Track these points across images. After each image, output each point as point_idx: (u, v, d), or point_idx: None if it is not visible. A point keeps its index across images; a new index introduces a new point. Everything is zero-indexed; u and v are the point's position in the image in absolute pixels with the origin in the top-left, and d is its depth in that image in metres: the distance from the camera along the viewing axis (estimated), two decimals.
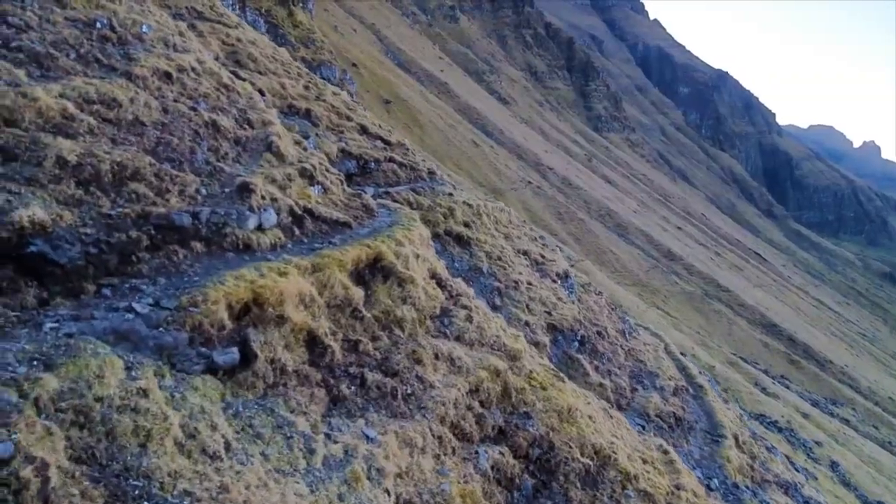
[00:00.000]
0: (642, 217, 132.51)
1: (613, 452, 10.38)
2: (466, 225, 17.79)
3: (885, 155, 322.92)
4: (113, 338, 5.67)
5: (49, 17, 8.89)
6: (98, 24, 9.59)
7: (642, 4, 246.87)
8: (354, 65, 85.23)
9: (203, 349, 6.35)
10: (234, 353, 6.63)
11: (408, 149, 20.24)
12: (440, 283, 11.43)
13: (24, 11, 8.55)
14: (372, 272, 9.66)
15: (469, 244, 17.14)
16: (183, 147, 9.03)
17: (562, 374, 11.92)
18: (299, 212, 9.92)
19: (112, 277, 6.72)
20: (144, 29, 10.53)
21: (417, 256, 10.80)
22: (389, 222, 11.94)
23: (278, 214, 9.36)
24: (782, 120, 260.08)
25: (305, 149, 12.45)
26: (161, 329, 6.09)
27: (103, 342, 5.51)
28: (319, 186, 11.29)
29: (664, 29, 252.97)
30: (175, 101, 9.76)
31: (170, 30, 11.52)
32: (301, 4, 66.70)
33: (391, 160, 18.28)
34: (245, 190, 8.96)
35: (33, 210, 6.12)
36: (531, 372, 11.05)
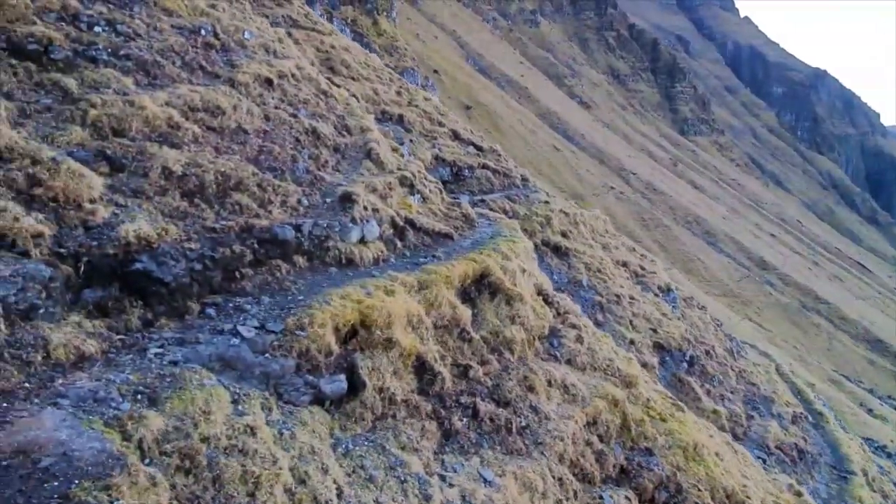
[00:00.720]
0: (732, 224, 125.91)
1: (747, 497, 9.15)
2: (564, 234, 16.81)
3: None
4: (219, 365, 5.18)
5: (156, 25, 8.71)
6: (202, 32, 9.38)
7: (732, 2, 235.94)
8: (436, 71, 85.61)
9: (310, 377, 5.78)
10: (341, 382, 6.03)
11: (500, 155, 19.47)
12: (547, 300, 10.55)
13: (132, 20, 8.39)
14: (478, 289, 8.91)
15: (567, 255, 16.14)
16: (284, 155, 8.62)
17: (680, 403, 10.74)
18: (401, 223, 9.32)
19: (216, 296, 6.29)
20: (247, 35, 10.28)
21: (524, 271, 9.98)
22: (491, 233, 11.19)
23: (380, 226, 8.78)
24: (888, 120, 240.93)
25: (402, 156, 11.90)
26: (267, 355, 5.56)
27: (209, 370, 5.02)
28: (419, 195, 10.69)
29: (756, 26, 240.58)
30: (276, 107, 9.41)
31: (270, 36, 11.27)
32: (385, 13, 67.56)
33: (484, 167, 17.56)
34: (347, 200, 8.43)
35: (139, 224, 5.75)
36: (648, 401, 9.97)
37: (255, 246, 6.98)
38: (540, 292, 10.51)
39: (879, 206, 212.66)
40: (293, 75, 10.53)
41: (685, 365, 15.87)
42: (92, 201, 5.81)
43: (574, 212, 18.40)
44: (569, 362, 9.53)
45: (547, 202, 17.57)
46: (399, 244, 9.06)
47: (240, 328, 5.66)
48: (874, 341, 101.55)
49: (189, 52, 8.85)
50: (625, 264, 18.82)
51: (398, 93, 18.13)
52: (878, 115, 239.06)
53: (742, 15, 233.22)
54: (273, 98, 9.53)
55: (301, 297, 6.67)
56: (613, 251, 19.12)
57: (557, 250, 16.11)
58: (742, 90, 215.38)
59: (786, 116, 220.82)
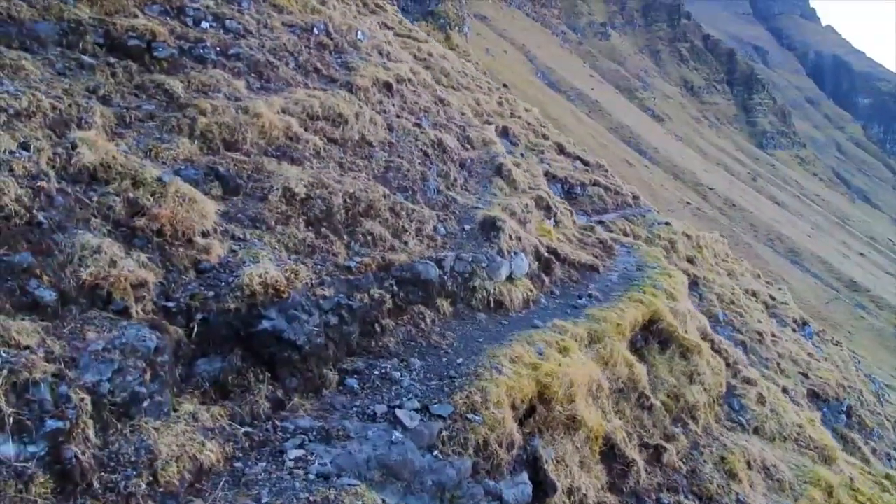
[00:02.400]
0: (818, 242, 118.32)
1: None
2: (690, 261, 14.74)
3: None
4: (379, 475, 3.61)
5: (266, 22, 7.43)
6: (315, 30, 8.05)
7: (814, 10, 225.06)
8: (505, 85, 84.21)
9: (490, 482, 4.15)
10: (525, 485, 4.39)
11: (607, 170, 17.59)
12: (714, 348, 8.61)
13: (241, 15, 7.12)
14: (646, 338, 7.12)
15: (697, 284, 14.06)
16: (414, 172, 7.12)
17: (885, 482, 8.53)
18: (545, 254, 7.65)
19: (355, 358, 4.78)
20: (360, 36, 8.91)
21: (689, 313, 8.11)
22: (636, 264, 9.36)
23: (526, 258, 7.14)
24: None
25: (527, 171, 10.27)
26: (437, 454, 3.97)
27: (368, 484, 3.46)
28: (553, 219, 9.00)
29: (839, 35, 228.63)
30: (398, 116, 7.95)
31: (381, 38, 9.91)
32: (458, 28, 66.81)
33: (595, 183, 15.72)
34: (491, 228, 6.83)
35: (265, 267, 4.30)
36: (852, 481, 7.85)
37: (395, 288, 5.46)
38: (705, 337, 8.59)
39: None
40: (409, 80, 9.09)
41: (844, 417, 13.44)
42: (205, 234, 4.43)
43: (696, 234, 16.29)
44: (756, 431, 7.59)
45: (668, 223, 15.56)
46: (546, 280, 7.38)
47: (398, 413, 4.10)
48: None
49: (303, 52, 7.53)
50: (754, 294, 16.53)
51: (499, 103, 16.58)
52: None
53: (824, 24, 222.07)
54: (394, 105, 8.09)
55: (460, 360, 5.07)
56: (740, 278, 16.86)
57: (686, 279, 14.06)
58: (825, 101, 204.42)
59: (873, 128, 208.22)
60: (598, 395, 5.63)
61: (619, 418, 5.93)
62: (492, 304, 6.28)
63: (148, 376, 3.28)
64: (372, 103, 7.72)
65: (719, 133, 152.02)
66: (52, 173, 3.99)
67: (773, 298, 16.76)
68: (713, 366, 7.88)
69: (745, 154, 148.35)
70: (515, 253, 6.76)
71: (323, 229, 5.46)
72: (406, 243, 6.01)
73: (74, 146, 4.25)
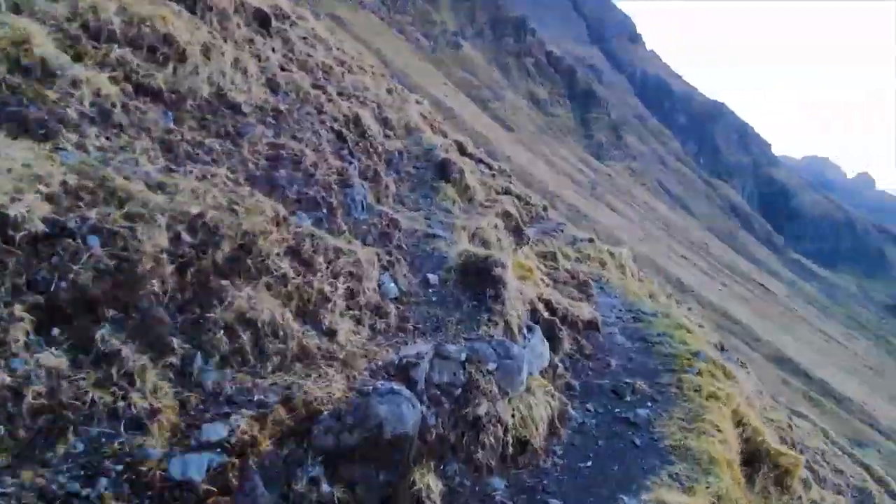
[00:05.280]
0: (649, 245, 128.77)
1: None
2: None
3: (879, 186, 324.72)
4: None
5: None
6: None
7: (640, 35, 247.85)
8: (382, 75, 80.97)
9: None
10: None
11: (510, 176, 14.91)
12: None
13: None
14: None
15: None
16: (324, 169, 3.64)
17: None
18: (545, 314, 4.52)
19: None
20: None
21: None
22: (624, 307, 6.55)
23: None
24: (777, 151, 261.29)
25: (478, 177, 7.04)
26: None
27: None
28: (526, 245, 5.89)
29: (660, 59, 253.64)
30: (284, 69, 4.38)
31: None
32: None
33: (507, 192, 12.94)
34: (483, 280, 3.61)
35: None
36: None
37: (324, 478, 1.92)
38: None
39: (773, 230, 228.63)
40: (293, 20, 5.47)
41: None
42: None
43: (617, 251, 14.11)
44: None
45: (592, 240, 13.18)
46: (557, 362, 4.23)
47: None
48: (785, 361, 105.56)
49: None
50: (667, 313, 14.68)
51: (389, 91, 13.21)
52: (769, 146, 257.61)
53: (648, 48, 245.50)
54: (275, 52, 4.48)
55: None
56: (658, 298, 14.96)
57: None
58: (650, 119, 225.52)
59: (689, 145, 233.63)
60: None
61: None
62: (510, 451, 3.00)
63: None
64: (236, 41, 4.11)
65: (563, 145, 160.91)
66: None
67: (689, 319, 15.04)
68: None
69: (586, 165, 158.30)
70: (530, 329, 3.56)
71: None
72: (333, 334, 2.54)
73: None
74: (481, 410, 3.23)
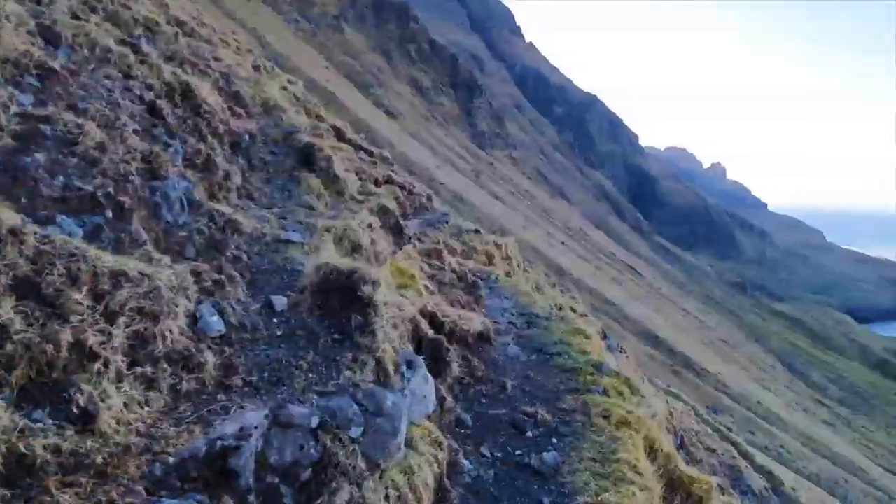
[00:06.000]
0: (530, 232, 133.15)
1: None
2: (508, 276, 11.98)
3: (730, 175, 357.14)
4: None
5: None
6: None
7: (519, 27, 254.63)
8: (250, 50, 76.23)
9: None
10: None
11: (392, 163, 14.05)
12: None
13: None
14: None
15: None
16: (114, 152, 2.53)
17: None
18: (429, 332, 3.68)
19: None
20: None
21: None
22: (515, 310, 5.91)
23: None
24: (644, 141, 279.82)
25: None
26: None
27: None
28: (408, 244, 5.03)
29: (538, 51, 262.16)
30: (71, 14, 3.16)
31: None
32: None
33: (389, 181, 12.04)
34: (347, 302, 2.65)
35: None
36: None
37: None
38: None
39: (641, 216, 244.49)
40: None
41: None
42: None
43: (503, 242, 13.66)
44: None
45: (478, 231, 12.59)
46: (447, 398, 3.41)
47: None
48: (652, 337, 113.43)
49: None
50: (560, 307, 14.51)
51: (255, 68, 11.81)
52: (637, 137, 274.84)
53: (527, 40, 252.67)
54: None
55: None
56: (545, 290, 14.76)
57: None
58: (529, 109, 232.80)
59: (566, 135, 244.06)
60: None
61: None
62: None
63: None
64: None
65: (446, 132, 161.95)
66: None
67: (574, 311, 14.98)
68: None
69: (469, 153, 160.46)
70: (410, 365, 2.70)
71: None
72: (88, 419, 1.53)
73: None
74: (340, 499, 2.34)
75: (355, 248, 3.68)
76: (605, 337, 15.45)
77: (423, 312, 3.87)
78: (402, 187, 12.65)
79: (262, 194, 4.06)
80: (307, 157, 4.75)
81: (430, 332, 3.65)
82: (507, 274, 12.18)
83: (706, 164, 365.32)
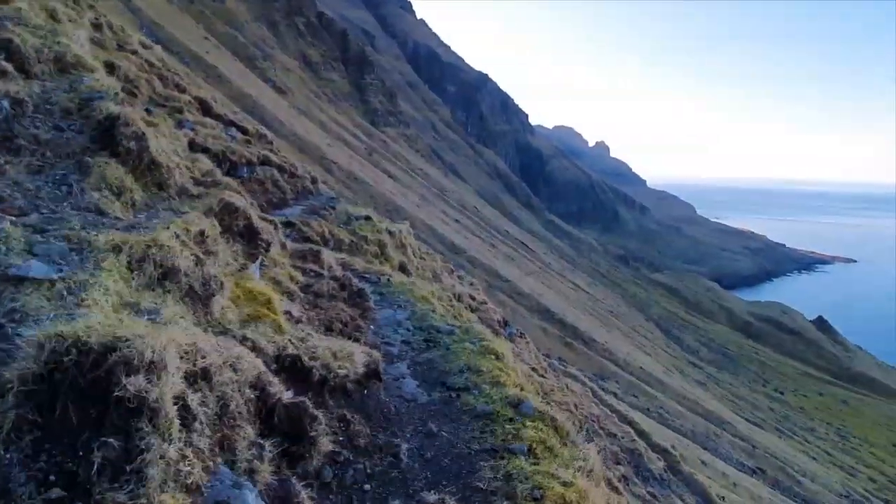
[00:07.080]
0: (425, 211, 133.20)
1: None
2: (403, 269, 11.00)
3: (612, 154, 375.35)
4: None
5: None
6: None
7: (410, 3, 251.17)
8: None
9: None
10: None
11: (271, 142, 12.56)
12: None
13: None
14: None
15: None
16: None
17: None
18: (286, 393, 2.52)
19: None
20: None
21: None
22: (412, 326, 4.88)
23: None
24: (533, 120, 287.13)
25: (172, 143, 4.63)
26: None
27: None
28: (266, 250, 3.81)
29: (430, 28, 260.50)
30: None
31: None
32: None
33: (265, 161, 10.63)
34: (131, 415, 1.45)
35: None
36: None
37: None
38: None
39: (531, 193, 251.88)
40: None
41: None
42: None
43: (396, 228, 12.61)
44: None
45: (368, 217, 11.45)
46: (307, 491, 2.29)
47: None
48: (544, 311, 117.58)
49: None
50: (459, 298, 13.80)
51: (97, 25, 9.83)
52: (527, 116, 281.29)
53: (419, 16, 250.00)
54: None
55: None
56: (444, 279, 13.93)
57: None
58: (422, 87, 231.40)
59: (458, 113, 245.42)
60: None
61: None
62: None
63: None
64: None
65: (338, 109, 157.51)
66: None
67: (474, 299, 14.31)
68: None
69: (362, 131, 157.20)
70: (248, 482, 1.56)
71: None
72: None
73: None
74: None
75: (166, 275, 2.46)
76: (505, 325, 14.84)
77: (279, 360, 2.74)
78: (281, 169, 11.17)
79: (19, 193, 2.72)
80: (106, 136, 3.37)
81: (287, 395, 2.52)
82: (402, 267, 11.12)
83: (591, 143, 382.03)
